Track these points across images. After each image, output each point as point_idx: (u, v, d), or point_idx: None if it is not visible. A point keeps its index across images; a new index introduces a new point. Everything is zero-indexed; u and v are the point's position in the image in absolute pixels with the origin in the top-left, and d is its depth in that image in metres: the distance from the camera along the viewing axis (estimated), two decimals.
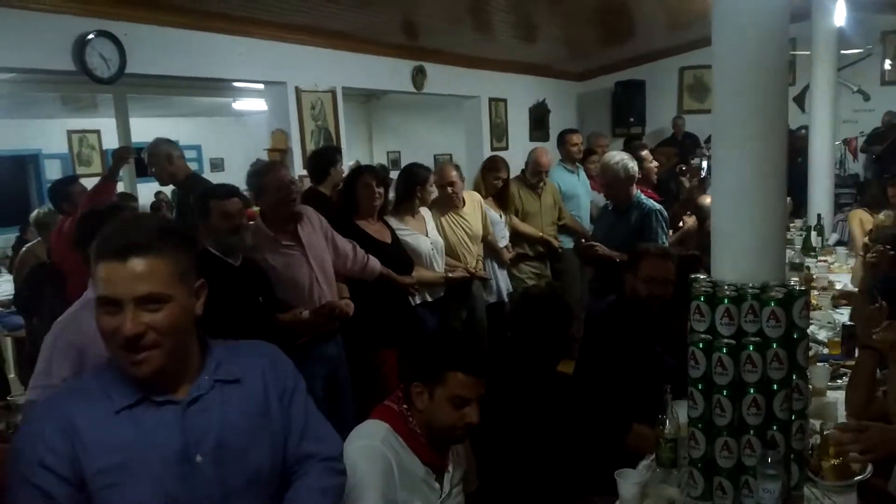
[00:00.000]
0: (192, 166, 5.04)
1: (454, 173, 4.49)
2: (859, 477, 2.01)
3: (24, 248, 5.61)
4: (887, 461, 1.95)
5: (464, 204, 4.50)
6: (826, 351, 3.23)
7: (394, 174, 5.06)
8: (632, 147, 6.83)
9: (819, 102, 6.36)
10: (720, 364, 1.91)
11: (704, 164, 6.39)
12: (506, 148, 8.32)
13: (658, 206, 4.13)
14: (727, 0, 2.04)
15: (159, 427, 1.37)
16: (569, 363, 3.06)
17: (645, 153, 5.06)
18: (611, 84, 9.92)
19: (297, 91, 5.68)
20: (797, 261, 4.43)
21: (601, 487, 2.14)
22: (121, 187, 7.04)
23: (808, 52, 6.35)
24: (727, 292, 1.94)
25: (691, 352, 1.97)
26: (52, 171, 10.22)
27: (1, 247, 8.48)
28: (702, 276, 2.08)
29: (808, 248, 5.18)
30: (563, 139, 5.87)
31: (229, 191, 3.10)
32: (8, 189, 9.94)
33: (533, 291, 2.90)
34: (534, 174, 5.22)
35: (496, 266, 4.78)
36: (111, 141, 9.11)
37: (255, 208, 3.79)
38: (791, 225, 5.71)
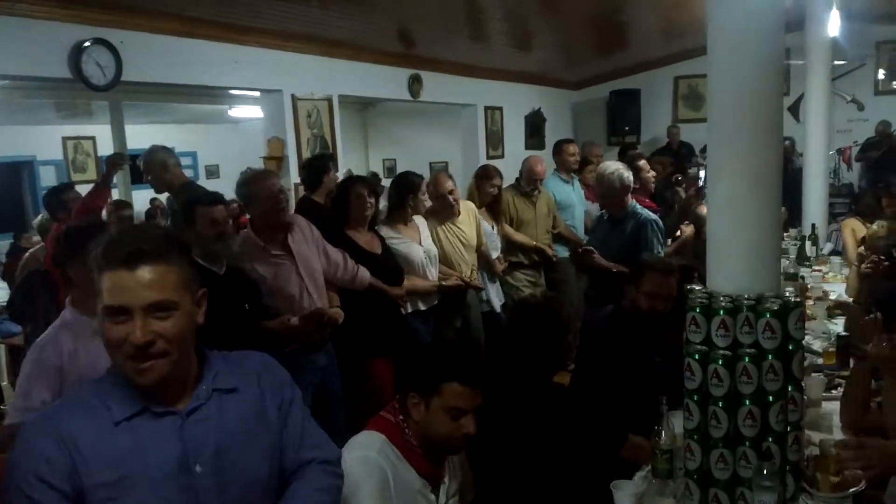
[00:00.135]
0: (188, 173, 5.06)
1: (450, 183, 4.49)
2: (854, 489, 2.01)
3: (27, 254, 5.58)
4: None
5: (459, 214, 4.50)
6: (821, 361, 3.23)
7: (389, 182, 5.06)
8: (628, 157, 6.86)
9: (813, 112, 6.39)
10: (716, 375, 1.91)
11: (702, 173, 6.41)
12: (501, 156, 8.34)
13: (654, 216, 4.14)
14: (722, 10, 2.05)
15: (158, 438, 1.37)
16: (564, 374, 3.05)
17: (642, 163, 5.07)
18: (606, 93, 9.96)
19: (294, 99, 5.69)
20: (792, 270, 4.43)
21: (597, 498, 2.14)
22: (116, 194, 7.04)
23: (802, 62, 6.38)
24: (723, 304, 1.94)
25: (687, 363, 1.97)
26: (47, 178, 10.20)
27: None
28: (697, 288, 2.08)
29: (802, 258, 5.19)
30: (559, 148, 5.85)
31: (215, 198, 3.10)
32: (2, 196, 9.91)
33: (529, 302, 2.90)
34: (528, 182, 5.22)
35: (486, 277, 4.77)
36: (106, 148, 9.09)
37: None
38: (785, 234, 5.72)
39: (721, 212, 2.13)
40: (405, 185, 4.17)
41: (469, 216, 4.59)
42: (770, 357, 1.91)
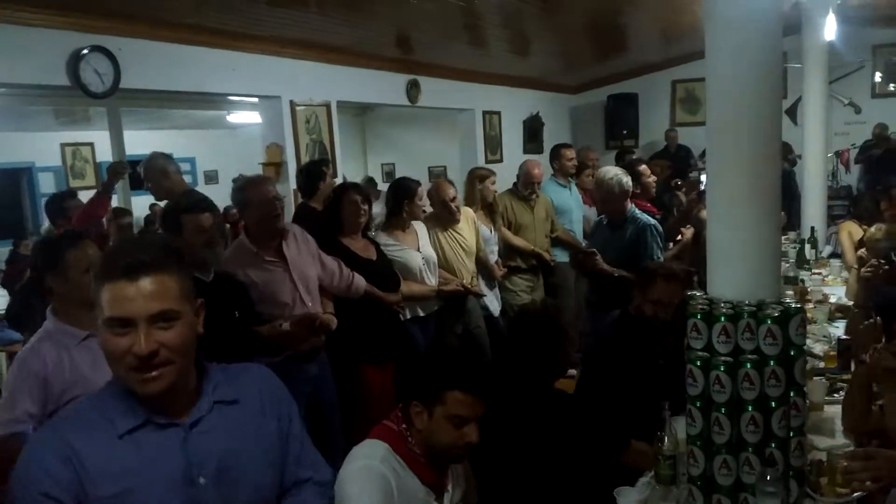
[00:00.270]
0: (186, 179, 5.04)
1: (452, 190, 4.49)
2: (857, 494, 2.01)
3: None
4: None
5: (458, 220, 4.49)
6: (822, 365, 3.24)
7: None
8: (626, 161, 6.86)
9: (811, 115, 6.41)
10: (718, 382, 1.92)
11: (703, 177, 6.43)
12: (500, 160, 8.35)
13: (653, 220, 4.14)
14: (720, 14, 2.05)
15: (162, 450, 1.37)
16: (565, 381, 3.05)
17: (643, 168, 5.07)
18: (604, 97, 9.98)
19: (292, 105, 5.69)
20: (791, 274, 4.44)
21: None
22: (115, 201, 7.03)
23: (798, 66, 6.40)
24: (724, 310, 1.94)
25: (689, 370, 1.97)
26: (46, 185, 10.19)
27: None
28: (698, 294, 2.08)
29: (802, 261, 5.19)
30: (557, 153, 5.85)
31: (201, 205, 3.09)
32: (1, 202, 9.90)
33: (529, 309, 2.89)
34: (526, 186, 5.21)
35: (483, 282, 4.77)
36: (104, 154, 9.09)
37: None
38: (784, 237, 5.73)
39: (721, 217, 2.13)
40: (401, 191, 4.17)
41: (468, 222, 4.59)
42: (772, 363, 1.91)
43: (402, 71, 6.90)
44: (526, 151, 8.70)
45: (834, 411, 2.66)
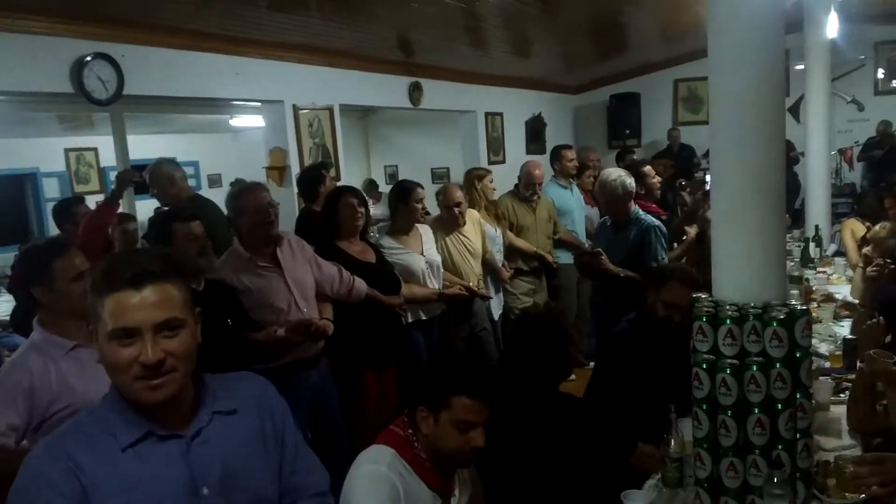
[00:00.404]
0: (190, 182, 5.05)
1: (459, 193, 4.48)
2: (864, 495, 2.01)
3: None
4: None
5: (464, 223, 4.50)
6: (828, 364, 3.23)
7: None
8: (627, 161, 6.85)
9: (814, 113, 6.39)
10: (724, 384, 1.91)
11: (708, 177, 6.42)
12: (503, 161, 8.36)
13: (657, 221, 4.14)
14: (722, 12, 2.05)
15: (166, 462, 1.37)
16: (570, 384, 3.05)
17: (647, 168, 5.06)
18: (606, 97, 9.98)
19: (295, 109, 5.70)
20: (796, 273, 4.43)
21: None
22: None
23: (801, 66, 6.39)
24: (729, 313, 1.94)
25: (695, 372, 1.97)
26: (51, 190, 10.22)
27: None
28: (703, 296, 2.08)
29: (806, 260, 5.18)
30: (557, 154, 5.85)
31: (192, 213, 3.08)
32: (7, 208, 9.93)
33: (532, 313, 2.89)
34: (527, 187, 5.20)
35: (490, 285, 4.76)
36: (108, 158, 9.11)
37: None
38: (788, 236, 5.72)
39: (725, 217, 2.13)
40: (397, 193, 4.17)
41: (474, 225, 4.59)
42: (778, 365, 1.91)
43: (405, 73, 6.91)
44: (529, 152, 8.70)
45: (840, 411, 2.65)
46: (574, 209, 5.71)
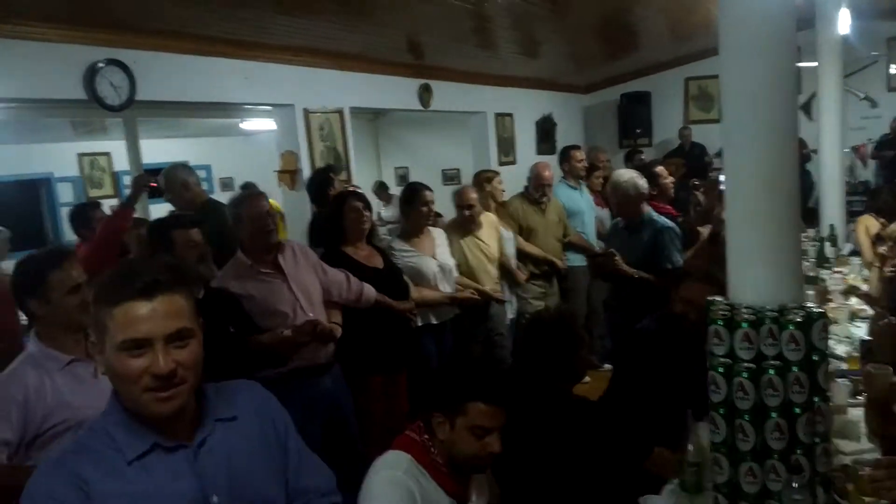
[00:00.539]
0: (202, 186, 5.07)
1: (473, 195, 4.45)
2: (884, 502, 1.99)
3: None
4: None
5: (481, 227, 4.47)
6: (845, 366, 3.20)
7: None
8: (639, 162, 6.80)
9: (827, 110, 6.33)
10: (741, 389, 1.91)
11: (722, 177, 6.38)
12: (513, 162, 8.34)
13: (670, 223, 4.12)
14: (734, 10, 2.04)
15: (174, 473, 1.36)
16: (583, 386, 3.04)
17: (660, 169, 5.02)
18: (616, 96, 9.95)
19: (306, 113, 5.71)
20: (811, 273, 4.40)
21: None
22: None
23: (814, 64, 6.34)
24: (745, 316, 1.93)
25: (711, 376, 1.96)
26: (65, 195, 10.31)
27: None
28: (719, 299, 2.07)
29: (822, 260, 5.13)
30: (566, 155, 5.81)
31: (191, 220, 3.06)
32: (22, 213, 10.00)
33: (543, 316, 2.88)
34: (536, 189, 5.16)
35: (506, 288, 4.74)
36: (121, 163, 9.17)
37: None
38: (803, 236, 5.68)
39: (739, 218, 2.11)
40: (406, 197, 4.17)
41: (491, 228, 4.56)
42: (795, 369, 1.90)
43: (414, 76, 6.92)
44: (539, 153, 8.69)
45: (858, 414, 2.62)
46: (584, 210, 5.67)
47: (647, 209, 4.14)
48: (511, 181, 5.91)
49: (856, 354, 3.20)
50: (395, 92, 6.79)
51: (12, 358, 2.26)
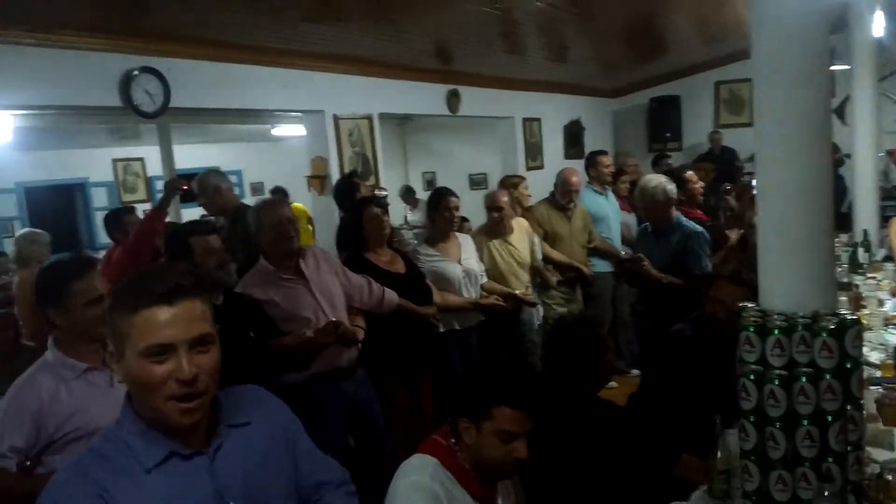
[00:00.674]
0: (234, 191, 5.14)
1: (504, 199, 4.43)
2: None
3: None
4: None
5: (512, 231, 4.45)
6: (879, 374, 3.15)
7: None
8: (662, 166, 6.74)
9: (860, 114, 6.23)
10: (772, 396, 1.88)
11: (755, 181, 6.31)
12: (541, 167, 8.34)
13: (700, 227, 4.09)
14: (765, 13, 2.02)
15: (192, 480, 1.36)
16: (610, 391, 3.03)
17: (689, 174, 4.98)
18: (645, 100, 9.89)
19: (335, 119, 5.77)
20: (845, 279, 4.33)
21: None
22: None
23: (848, 67, 6.25)
24: (777, 323, 1.91)
25: (742, 383, 1.94)
26: (99, 199, 10.51)
27: None
28: (750, 305, 2.05)
29: (855, 265, 5.05)
30: (593, 161, 5.76)
31: (209, 226, 3.06)
32: (57, 217, 10.23)
33: (568, 320, 2.88)
34: (563, 195, 5.12)
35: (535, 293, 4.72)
36: (155, 168, 9.35)
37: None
38: (836, 241, 5.59)
39: (772, 225, 2.09)
40: (431, 201, 4.17)
41: (522, 233, 4.54)
42: (828, 376, 1.87)
43: (442, 81, 6.96)
44: (567, 157, 8.67)
45: None
46: (609, 215, 5.63)
47: (676, 214, 4.11)
48: (538, 186, 5.91)
49: (890, 361, 3.14)
50: (424, 98, 6.84)
51: None
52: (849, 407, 1.91)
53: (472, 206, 6.21)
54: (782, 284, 2.04)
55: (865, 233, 5.66)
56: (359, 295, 3.45)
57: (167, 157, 7.53)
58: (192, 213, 8.56)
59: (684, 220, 4.12)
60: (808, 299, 1.98)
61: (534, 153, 8.41)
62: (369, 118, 6.11)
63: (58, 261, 2.39)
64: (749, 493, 1.97)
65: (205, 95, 4.85)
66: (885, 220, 6.42)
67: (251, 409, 1.52)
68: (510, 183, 5.06)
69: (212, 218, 4.44)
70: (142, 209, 6.04)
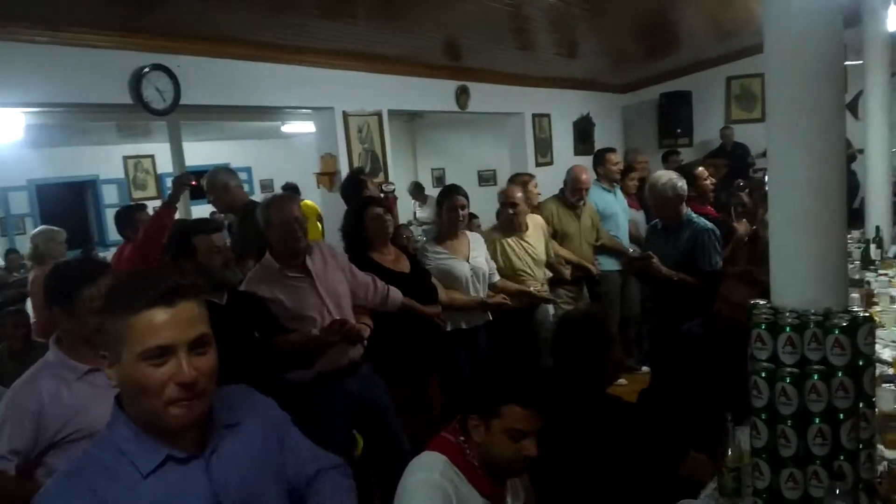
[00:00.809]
0: (243, 187, 5.16)
1: (519, 195, 4.38)
2: None
3: None
4: None
5: (527, 228, 4.42)
6: (891, 371, 3.12)
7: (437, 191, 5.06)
8: (671, 162, 6.69)
9: (873, 109, 6.18)
10: (784, 393, 1.87)
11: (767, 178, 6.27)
12: (550, 163, 8.32)
13: (710, 224, 4.07)
14: (778, 8, 2.01)
15: (189, 483, 1.35)
16: (620, 388, 3.03)
17: (699, 171, 4.95)
18: (656, 95, 9.84)
19: (345, 115, 5.78)
20: (856, 276, 4.30)
21: None
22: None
23: (861, 62, 6.20)
24: (789, 320, 1.90)
25: (753, 381, 1.93)
26: (110, 196, 10.57)
27: None
28: (762, 303, 2.04)
29: (867, 262, 5.02)
30: (601, 158, 5.73)
31: (213, 225, 3.02)
32: (68, 214, 10.30)
33: (573, 315, 2.87)
34: (573, 192, 5.07)
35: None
36: (165, 165, 9.39)
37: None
38: (848, 237, 5.55)
39: (784, 222, 2.08)
40: (439, 200, 4.15)
41: (537, 230, 4.51)
42: (840, 374, 1.86)
43: (451, 78, 6.95)
44: (577, 153, 8.65)
45: None
46: (618, 213, 5.60)
47: (686, 211, 4.09)
48: (548, 182, 5.89)
49: None
50: (433, 94, 6.83)
51: None
52: (861, 404, 1.90)
53: (480, 203, 6.21)
54: (794, 281, 2.03)
55: (878, 229, 5.62)
56: (364, 293, 3.44)
57: (177, 154, 7.54)
58: (201, 211, 8.62)
59: (695, 216, 4.10)
60: (820, 296, 1.97)
61: (543, 149, 8.38)
62: (378, 115, 6.11)
63: (72, 262, 2.34)
64: (759, 490, 1.96)
65: (215, 92, 4.86)
66: None
67: (242, 409, 1.51)
68: (520, 181, 5.04)
69: (220, 215, 4.46)
70: (152, 206, 6.08)
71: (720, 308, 2.92)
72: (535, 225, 4.52)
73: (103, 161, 10.52)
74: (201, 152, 9.73)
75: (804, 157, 2.00)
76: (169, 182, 9.33)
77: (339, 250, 3.50)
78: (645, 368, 5.05)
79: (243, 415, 1.49)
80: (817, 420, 1.87)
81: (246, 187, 10.79)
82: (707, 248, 3.91)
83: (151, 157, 10.74)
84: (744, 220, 5.15)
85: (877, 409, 2.14)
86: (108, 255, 7.66)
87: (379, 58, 5.96)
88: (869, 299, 4.06)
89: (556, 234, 5.02)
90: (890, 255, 5.55)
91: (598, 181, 5.66)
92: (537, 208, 5.08)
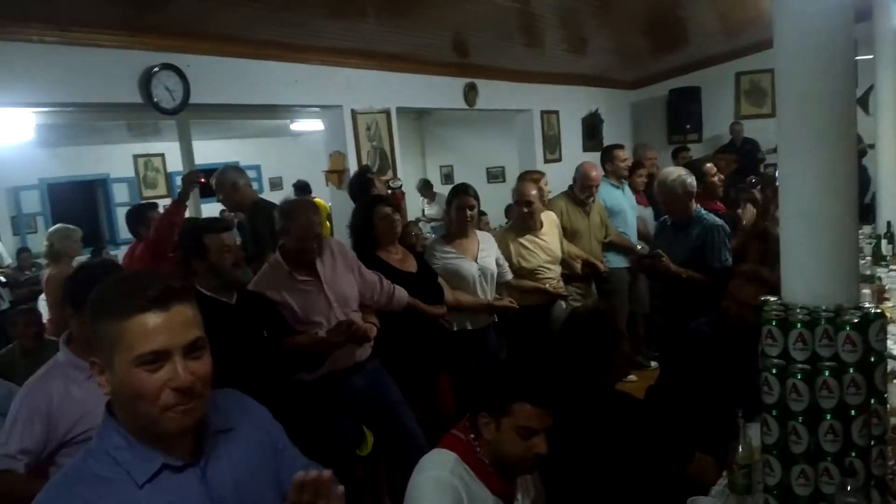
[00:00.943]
0: (252, 186, 5.18)
1: (533, 192, 4.33)
2: None
3: None
4: None
5: (541, 226, 4.39)
6: None
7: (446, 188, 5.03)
8: (679, 158, 6.65)
9: (884, 104, 6.13)
10: (795, 390, 1.87)
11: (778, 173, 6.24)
12: (559, 160, 8.30)
13: (720, 220, 4.05)
14: (788, 3, 1.99)
15: (185, 491, 1.32)
16: (629, 384, 3.02)
17: (708, 166, 4.92)
18: (665, 91, 9.80)
19: (353, 113, 5.79)
20: (867, 272, 4.27)
21: None
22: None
23: (871, 56, 6.15)
24: (800, 316, 1.89)
25: (764, 377, 1.93)
26: (120, 195, 10.64)
27: None
28: (772, 299, 2.03)
29: (878, 258, 4.98)
30: (609, 155, 5.71)
31: (224, 224, 3.01)
32: (79, 213, 10.37)
33: (581, 312, 2.87)
34: (583, 190, 5.03)
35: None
36: (175, 164, 9.45)
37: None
38: (859, 233, 5.51)
39: (795, 218, 2.06)
40: (448, 199, 4.12)
41: (552, 227, 4.49)
42: (851, 370, 1.85)
43: (460, 75, 6.95)
44: (585, 150, 8.63)
45: None
46: (626, 209, 5.57)
47: (696, 207, 4.08)
48: (556, 179, 5.88)
49: None
50: (441, 91, 6.83)
51: None
52: (873, 401, 1.89)
53: (489, 200, 6.20)
54: (805, 277, 2.02)
55: (889, 224, 5.58)
56: (370, 292, 3.43)
57: (187, 153, 7.58)
58: (212, 209, 8.66)
59: (704, 213, 4.09)
60: (831, 292, 1.95)
61: (552, 146, 8.37)
62: (387, 112, 6.12)
63: (96, 263, 2.33)
64: (770, 487, 1.95)
65: (224, 91, 4.87)
66: None
67: (235, 414, 1.47)
68: (532, 178, 5.01)
69: (230, 214, 4.48)
70: (163, 205, 6.11)
71: (728, 306, 2.92)
72: (550, 222, 4.49)
73: (114, 160, 10.59)
74: (211, 151, 9.79)
75: (815, 152, 1.98)
76: (179, 180, 9.42)
77: (348, 248, 3.50)
78: (654, 365, 5.04)
79: (237, 419, 1.46)
80: (828, 416, 1.86)
81: (255, 185, 10.85)
82: (717, 245, 3.89)
83: (161, 155, 10.80)
84: (748, 205, 5.11)
85: (888, 406, 2.13)
86: (119, 253, 7.73)
87: (387, 56, 5.97)
88: (880, 295, 4.03)
89: (566, 232, 4.98)
90: None
91: (607, 177, 5.64)
92: (546, 205, 5.06)
